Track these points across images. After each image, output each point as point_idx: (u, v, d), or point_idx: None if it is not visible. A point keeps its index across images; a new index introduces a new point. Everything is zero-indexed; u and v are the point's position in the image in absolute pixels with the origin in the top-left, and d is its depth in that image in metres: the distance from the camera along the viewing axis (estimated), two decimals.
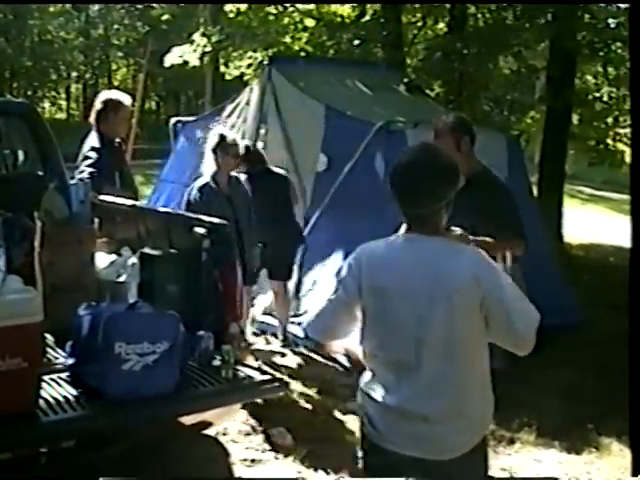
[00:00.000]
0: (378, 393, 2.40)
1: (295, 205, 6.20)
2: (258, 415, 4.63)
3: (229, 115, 7.89)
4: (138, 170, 9.92)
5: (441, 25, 12.67)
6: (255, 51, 11.53)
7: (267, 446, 4.38)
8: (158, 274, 3.90)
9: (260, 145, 6.98)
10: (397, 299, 2.34)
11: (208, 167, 5.30)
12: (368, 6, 12.14)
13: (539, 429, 4.70)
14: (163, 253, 3.96)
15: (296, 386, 5.19)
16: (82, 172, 4.78)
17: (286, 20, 11.73)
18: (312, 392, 5.22)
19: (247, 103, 7.72)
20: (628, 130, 10.77)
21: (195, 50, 11.30)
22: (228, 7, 11.49)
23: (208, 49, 11.37)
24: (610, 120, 12.07)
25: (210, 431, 4.21)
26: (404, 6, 11.47)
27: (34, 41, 31.13)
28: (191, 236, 3.80)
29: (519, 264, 3.70)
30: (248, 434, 4.50)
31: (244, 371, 3.59)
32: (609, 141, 12.09)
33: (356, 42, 11.03)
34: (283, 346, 6.13)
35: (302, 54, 11.42)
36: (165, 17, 22.71)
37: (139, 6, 29.03)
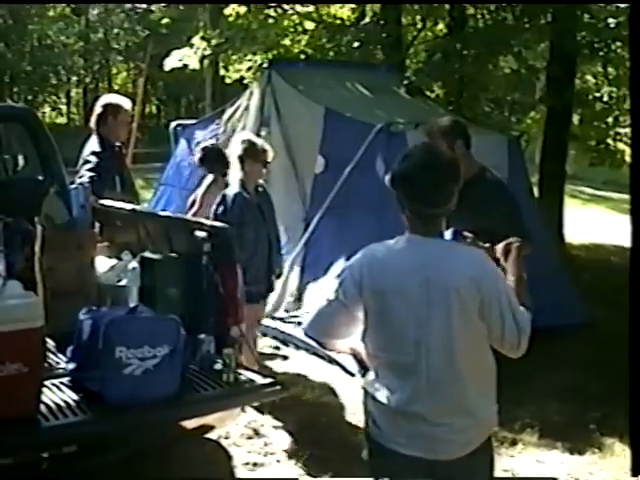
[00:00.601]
0: (381, 394, 2.41)
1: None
2: (260, 418, 4.64)
3: (229, 118, 7.90)
4: (138, 174, 9.92)
5: (441, 26, 12.65)
6: (255, 54, 11.52)
7: (269, 449, 4.39)
8: (159, 278, 3.89)
9: None
10: (396, 301, 2.35)
11: (235, 175, 4.99)
12: (368, 8, 12.14)
13: (541, 430, 4.70)
14: (164, 257, 3.95)
15: (297, 389, 5.18)
16: (82, 176, 4.78)
17: (286, 23, 11.73)
18: (314, 395, 5.22)
19: (247, 106, 7.74)
20: (628, 130, 10.74)
21: (195, 53, 11.32)
22: (228, 10, 11.50)
23: (208, 52, 11.39)
24: (610, 120, 12.05)
25: (212, 435, 4.20)
26: (403, 7, 11.46)
27: (34, 46, 31.10)
28: (191, 240, 3.79)
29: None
30: (250, 437, 4.50)
31: (245, 374, 3.58)
32: (609, 141, 12.07)
33: (356, 44, 11.01)
34: (275, 347, 6.12)
35: (302, 57, 11.43)
36: (165, 21, 22.82)
37: (139, 10, 29.11)
